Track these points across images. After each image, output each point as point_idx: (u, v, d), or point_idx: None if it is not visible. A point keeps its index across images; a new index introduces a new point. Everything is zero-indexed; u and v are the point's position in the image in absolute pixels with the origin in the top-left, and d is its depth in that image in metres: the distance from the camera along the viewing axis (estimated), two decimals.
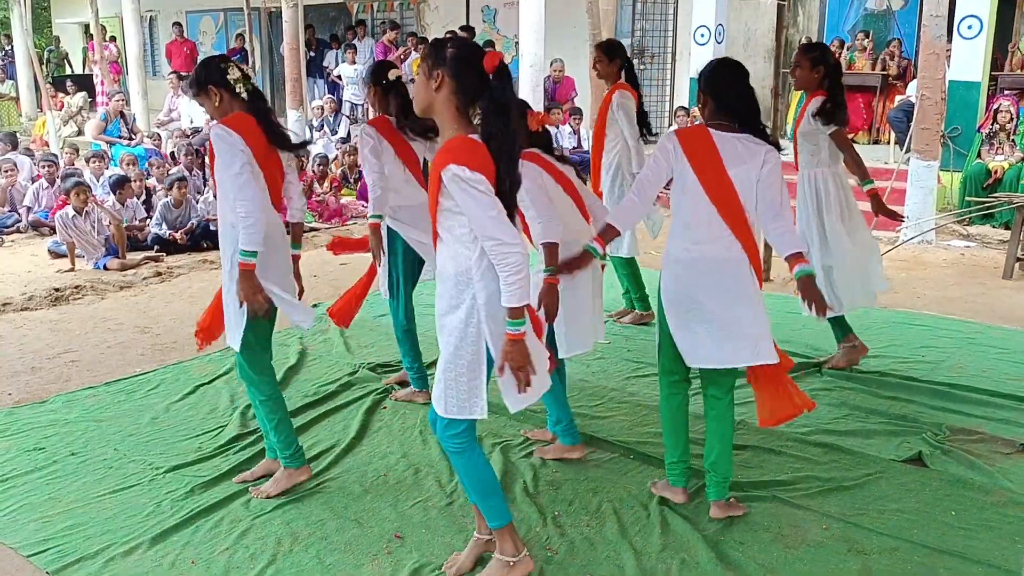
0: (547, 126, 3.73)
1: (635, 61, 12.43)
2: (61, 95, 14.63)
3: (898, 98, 10.25)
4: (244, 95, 3.29)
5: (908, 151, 8.19)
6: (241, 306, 3.23)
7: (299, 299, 3.59)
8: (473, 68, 2.50)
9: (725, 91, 3.15)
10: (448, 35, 12.77)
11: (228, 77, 3.27)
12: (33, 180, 9.13)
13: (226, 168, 3.17)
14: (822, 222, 4.60)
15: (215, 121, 3.29)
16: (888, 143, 10.27)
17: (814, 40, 12.29)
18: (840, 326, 4.78)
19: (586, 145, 10.53)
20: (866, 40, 11.41)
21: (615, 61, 5.31)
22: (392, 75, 4.16)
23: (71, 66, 18.80)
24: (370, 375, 4.77)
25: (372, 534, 3.21)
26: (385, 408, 4.35)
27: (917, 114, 7.90)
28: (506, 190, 2.51)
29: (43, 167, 8.93)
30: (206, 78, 3.29)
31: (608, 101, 5.33)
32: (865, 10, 12.05)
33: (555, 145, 4.28)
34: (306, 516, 3.33)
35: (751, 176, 3.10)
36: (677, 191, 3.18)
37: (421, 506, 3.40)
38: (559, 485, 3.54)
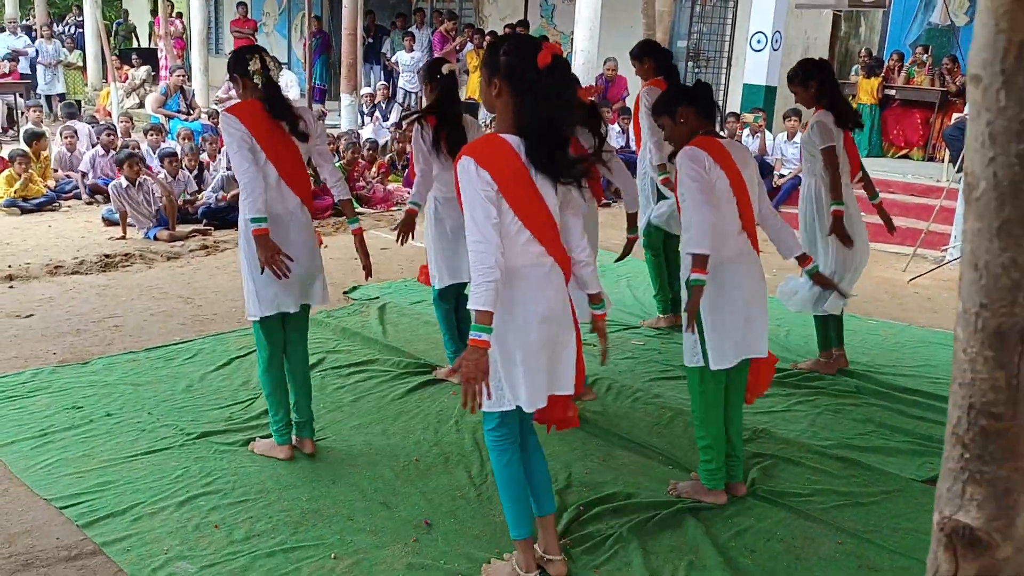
0: (589, 99, 4.03)
1: (689, 64, 12.39)
2: (126, 67, 14.99)
3: (955, 116, 10.05)
4: (259, 84, 3.52)
5: (960, 170, 8.04)
6: (262, 272, 3.42)
7: (368, 276, 3.94)
8: (528, 69, 2.52)
9: (706, 102, 3.42)
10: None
11: (249, 68, 3.51)
12: (93, 147, 9.41)
13: (227, 148, 3.52)
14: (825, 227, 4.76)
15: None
16: (943, 161, 10.08)
17: (874, 53, 12.12)
18: (837, 336, 4.97)
19: (634, 145, 10.51)
20: (924, 55, 11.20)
21: (646, 61, 5.36)
22: (445, 70, 4.25)
23: (138, 40, 19.23)
24: (408, 360, 4.83)
25: (399, 518, 3.25)
26: (455, 395, 4.34)
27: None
28: (551, 172, 2.57)
29: (106, 135, 9.20)
30: (232, 67, 3.59)
31: (639, 98, 5.40)
32: (928, 24, 11.83)
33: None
34: (334, 495, 3.40)
35: (753, 178, 3.37)
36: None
37: (450, 495, 3.43)
38: (591, 485, 3.54)
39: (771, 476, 3.70)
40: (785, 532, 3.28)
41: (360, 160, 9.45)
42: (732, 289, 3.31)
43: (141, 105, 14.11)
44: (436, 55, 12.92)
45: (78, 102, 13.51)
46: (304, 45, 13.49)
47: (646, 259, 5.64)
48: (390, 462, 3.69)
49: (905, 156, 11.17)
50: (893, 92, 11.17)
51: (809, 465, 3.81)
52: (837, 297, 4.80)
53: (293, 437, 3.75)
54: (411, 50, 13.45)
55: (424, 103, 4.54)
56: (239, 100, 3.61)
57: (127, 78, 14.84)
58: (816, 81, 4.67)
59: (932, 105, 10.93)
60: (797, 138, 9.76)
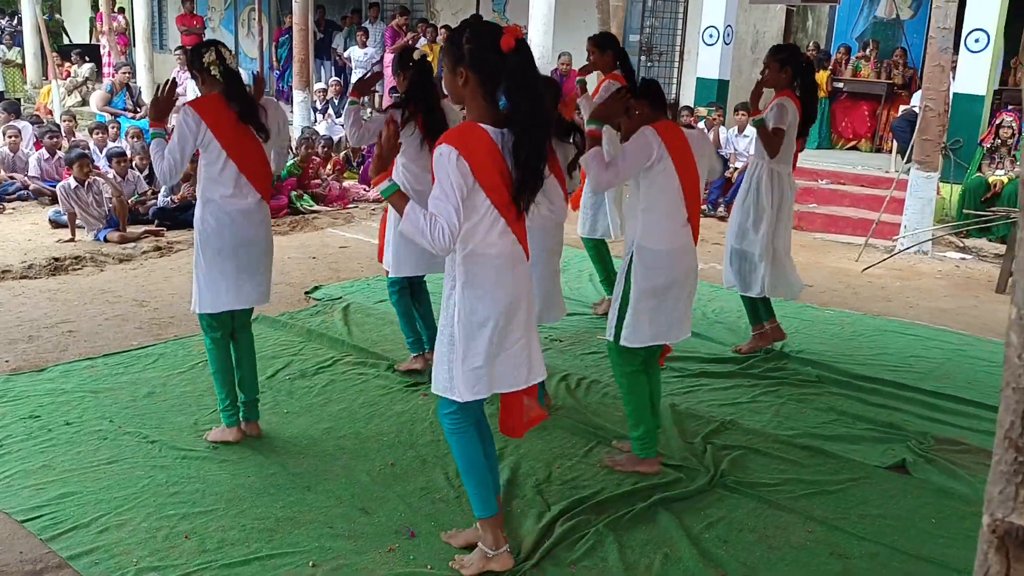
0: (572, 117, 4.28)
1: (642, 58, 12.47)
2: (68, 64, 14.58)
3: (902, 108, 10.29)
4: (219, 77, 3.50)
5: (909, 161, 8.23)
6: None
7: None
8: (492, 54, 2.53)
9: (656, 94, 3.52)
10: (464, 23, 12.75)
11: (204, 60, 3.50)
12: (36, 148, 9.14)
13: (173, 136, 3.45)
14: (777, 212, 4.92)
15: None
16: (890, 152, 10.32)
17: (821, 46, 12.34)
18: (766, 310, 5.13)
19: None
20: (868, 49, 11.45)
21: (607, 53, 5.39)
22: (416, 56, 4.26)
23: (69, 36, 18.68)
24: (375, 360, 4.77)
25: (378, 523, 3.20)
26: (425, 396, 4.29)
27: (920, 125, 7.94)
28: (524, 162, 2.56)
29: (47, 137, 8.94)
30: (190, 63, 3.58)
31: (598, 91, 5.42)
32: (874, 18, 12.07)
33: None
34: (309, 501, 3.33)
35: (704, 170, 3.54)
36: (654, 186, 3.42)
37: (429, 498, 3.38)
38: (571, 483, 3.54)
39: (740, 467, 3.75)
40: (756, 522, 3.33)
41: (315, 157, 9.33)
42: (664, 279, 3.46)
43: (83, 103, 13.76)
44: (388, 50, 12.82)
45: (18, 100, 13.10)
46: (260, 44, 13.23)
47: (587, 250, 5.74)
48: (365, 466, 3.63)
49: (853, 147, 11.40)
50: (841, 85, 11.38)
51: (776, 455, 3.87)
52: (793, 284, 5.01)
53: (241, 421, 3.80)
54: (364, 46, 13.31)
55: (378, 98, 4.55)
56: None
57: (68, 75, 14.43)
58: (792, 67, 4.76)
59: (879, 97, 11.17)
60: (748, 131, 9.90)
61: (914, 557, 3.13)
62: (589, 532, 3.16)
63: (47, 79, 14.11)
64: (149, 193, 8.18)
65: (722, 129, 10.03)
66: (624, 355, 3.55)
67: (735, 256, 5.04)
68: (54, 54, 13.13)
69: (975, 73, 8.56)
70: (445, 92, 2.69)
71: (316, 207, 8.83)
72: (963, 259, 7.95)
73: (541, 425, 3.96)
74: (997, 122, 8.67)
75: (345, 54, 13.89)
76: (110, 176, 7.90)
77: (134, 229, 7.46)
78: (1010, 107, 9.40)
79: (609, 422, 4.11)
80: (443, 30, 12.90)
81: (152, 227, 7.61)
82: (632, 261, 3.47)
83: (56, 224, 7.56)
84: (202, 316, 3.65)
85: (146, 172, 8.51)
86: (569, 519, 3.22)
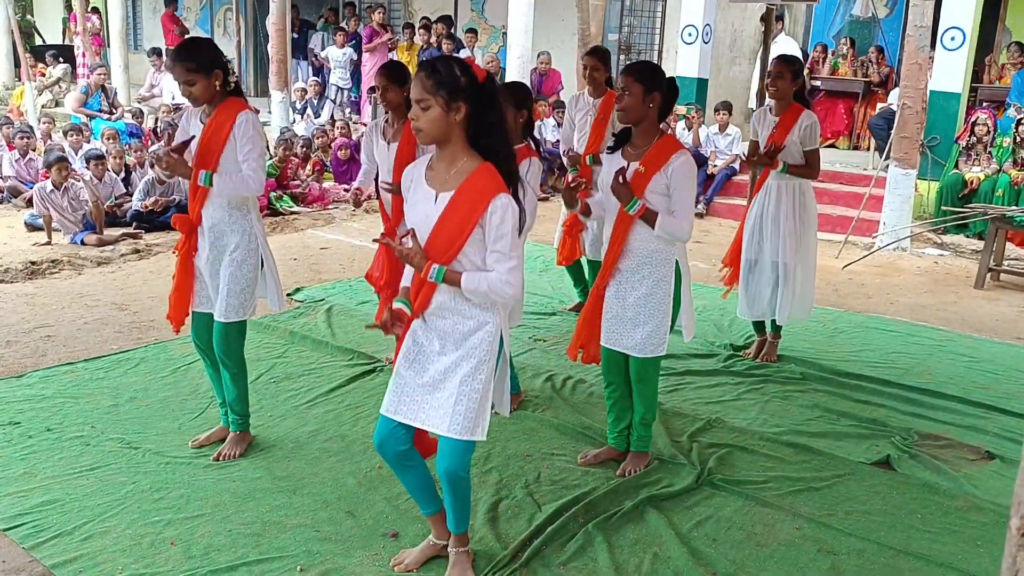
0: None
1: (621, 57, 12.50)
2: (41, 66, 14.40)
3: (879, 105, 10.37)
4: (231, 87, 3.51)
5: (887, 159, 8.30)
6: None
7: None
8: (482, 91, 2.50)
9: (670, 103, 3.49)
10: (435, 27, 12.65)
11: (229, 71, 3.49)
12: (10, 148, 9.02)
13: (259, 146, 3.47)
14: (797, 229, 4.89)
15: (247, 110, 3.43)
16: (868, 149, 10.40)
17: (799, 45, 12.39)
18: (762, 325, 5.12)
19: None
20: (846, 47, 11.53)
21: (611, 70, 5.44)
22: None
23: (42, 37, 18.45)
24: (360, 362, 4.75)
25: (365, 526, 3.17)
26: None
27: (898, 122, 8.01)
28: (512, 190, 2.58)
29: (19, 139, 8.82)
30: (205, 64, 3.38)
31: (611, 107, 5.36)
32: (850, 17, 12.16)
33: (539, 137, 4.50)
34: (295, 505, 3.30)
35: None
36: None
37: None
38: (562, 484, 3.53)
39: (727, 464, 3.76)
40: (744, 520, 3.33)
41: (293, 158, 9.27)
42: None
43: (56, 104, 13.59)
44: (364, 48, 12.77)
45: None
46: (237, 44, 13.12)
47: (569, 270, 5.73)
48: (351, 469, 3.59)
49: (831, 145, 11.47)
50: (819, 83, 11.46)
51: (762, 452, 3.89)
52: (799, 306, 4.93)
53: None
54: (342, 46, 13.24)
55: (366, 97, 4.54)
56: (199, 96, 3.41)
57: (43, 76, 14.25)
58: (802, 78, 4.79)
59: (856, 95, 11.25)
60: (729, 130, 9.95)
61: (901, 552, 3.15)
62: (578, 532, 3.15)
63: (20, 80, 13.92)
64: (126, 195, 8.09)
65: (702, 127, 10.07)
66: (660, 362, 3.57)
67: (800, 280, 4.91)
68: (27, 55, 12.95)
69: (951, 71, 8.65)
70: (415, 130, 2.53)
71: (296, 208, 8.78)
72: (941, 255, 8.03)
73: (529, 425, 4.01)
74: (973, 119, 8.76)
75: (323, 54, 13.80)
76: (87, 179, 7.80)
77: (111, 232, 7.37)
78: (984, 104, 9.51)
79: (597, 421, 4.11)
80: (422, 30, 12.84)
81: (130, 230, 7.53)
82: (677, 264, 3.44)
83: (32, 227, 7.47)
84: (243, 330, 3.61)
85: (122, 175, 8.42)
86: (558, 519, 3.21)
